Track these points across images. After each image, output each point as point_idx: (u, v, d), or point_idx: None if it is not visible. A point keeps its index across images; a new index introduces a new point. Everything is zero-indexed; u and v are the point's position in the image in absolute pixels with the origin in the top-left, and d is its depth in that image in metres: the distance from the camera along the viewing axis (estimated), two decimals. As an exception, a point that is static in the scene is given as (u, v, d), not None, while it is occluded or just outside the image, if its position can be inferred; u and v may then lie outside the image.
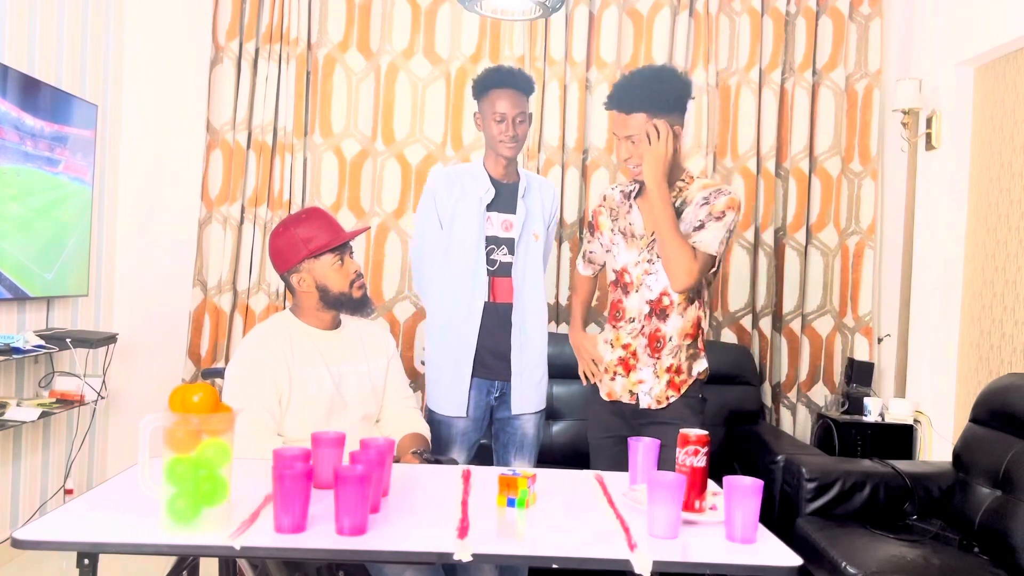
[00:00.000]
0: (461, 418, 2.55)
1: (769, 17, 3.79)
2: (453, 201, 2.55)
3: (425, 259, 2.63)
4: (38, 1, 3.24)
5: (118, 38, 3.81)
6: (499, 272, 2.56)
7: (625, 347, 2.26)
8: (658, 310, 2.23)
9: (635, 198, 2.32)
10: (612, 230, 2.35)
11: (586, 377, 2.40)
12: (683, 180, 2.25)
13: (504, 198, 2.57)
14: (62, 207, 3.33)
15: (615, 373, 2.28)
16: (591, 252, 2.47)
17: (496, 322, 2.55)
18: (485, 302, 2.54)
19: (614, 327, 2.30)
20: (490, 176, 2.56)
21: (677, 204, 2.22)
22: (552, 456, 3.22)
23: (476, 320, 2.53)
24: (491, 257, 2.55)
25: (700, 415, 2.23)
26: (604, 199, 2.41)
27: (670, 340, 2.22)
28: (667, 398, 2.22)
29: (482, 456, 2.74)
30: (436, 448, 2.56)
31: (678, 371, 2.23)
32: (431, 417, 2.60)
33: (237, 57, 3.70)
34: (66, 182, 3.33)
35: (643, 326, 2.24)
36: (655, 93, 2.15)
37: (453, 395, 2.55)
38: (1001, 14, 3.08)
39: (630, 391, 2.25)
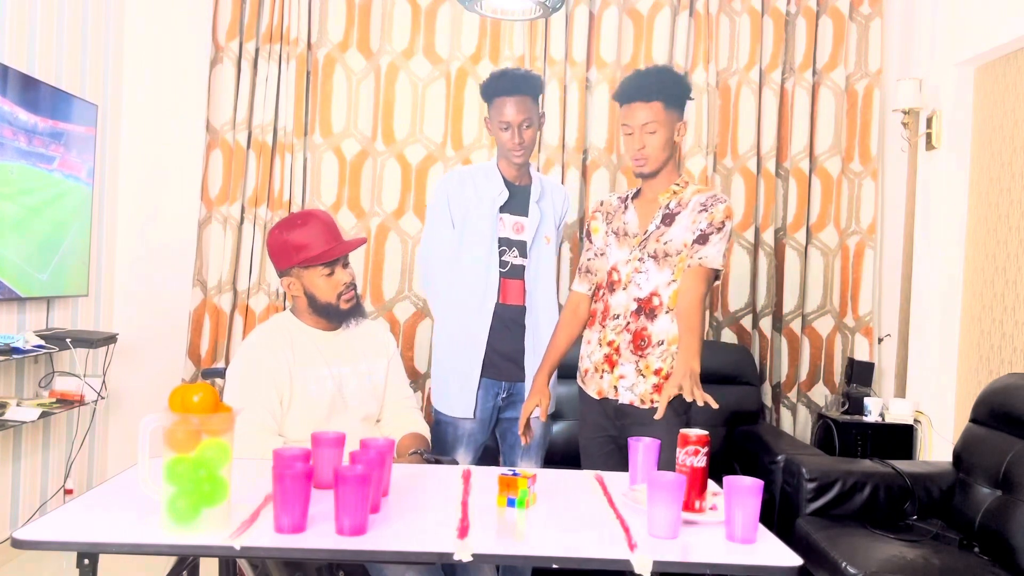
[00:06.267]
0: (468, 419, 2.55)
1: (769, 17, 3.79)
2: (465, 202, 2.55)
3: (434, 260, 2.63)
4: (38, 1, 3.24)
5: (118, 38, 3.81)
6: (510, 274, 2.56)
7: (610, 344, 2.26)
8: (647, 309, 2.23)
9: (632, 200, 2.35)
10: (606, 232, 2.36)
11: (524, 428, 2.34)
12: (678, 184, 2.28)
13: (517, 200, 2.57)
14: (57, 205, 3.32)
15: (602, 371, 2.28)
16: (588, 261, 2.40)
17: (506, 324, 2.55)
18: (495, 303, 2.54)
19: (602, 326, 2.29)
20: (504, 178, 2.56)
21: (672, 206, 2.26)
22: (552, 456, 3.20)
23: (487, 321, 2.53)
24: (502, 259, 2.55)
25: (683, 415, 2.19)
26: (600, 204, 2.43)
27: (659, 343, 2.22)
28: (651, 400, 2.21)
29: (486, 458, 2.74)
30: (442, 449, 2.56)
31: (668, 377, 2.20)
32: (437, 418, 2.60)
33: (237, 57, 3.70)
34: (61, 179, 3.32)
35: (628, 323, 2.24)
36: (671, 84, 2.23)
37: (461, 396, 2.55)
38: (1001, 14, 3.08)
39: (614, 387, 2.25)
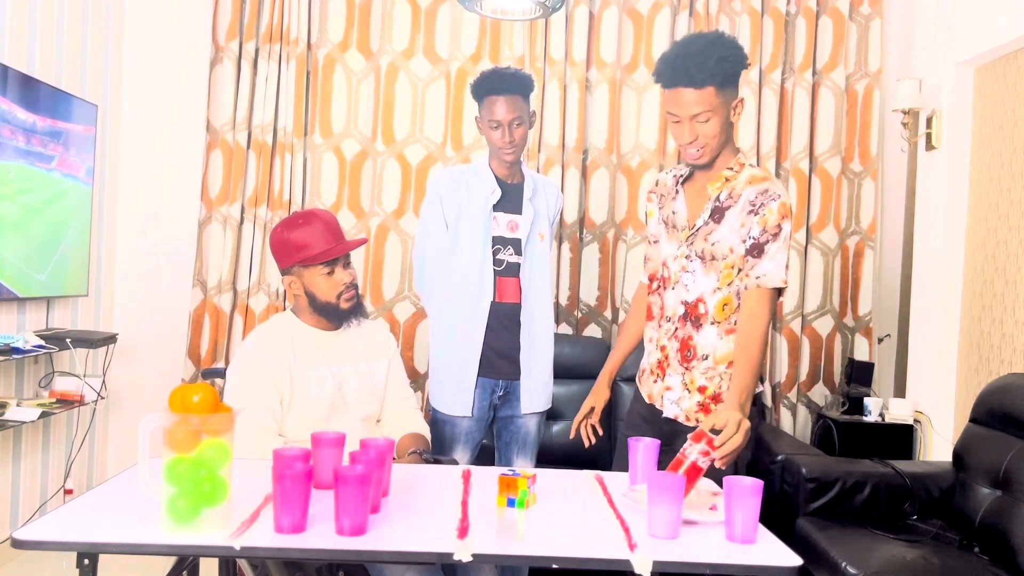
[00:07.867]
0: (466, 418, 2.56)
1: (769, 17, 3.79)
2: (458, 201, 2.55)
3: (429, 260, 2.63)
4: (38, 1, 3.24)
5: (118, 38, 3.82)
6: (505, 272, 2.56)
7: (662, 349, 2.12)
8: (693, 316, 2.04)
9: (683, 183, 2.10)
10: (658, 220, 2.15)
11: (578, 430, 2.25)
12: (731, 168, 2.00)
13: (510, 198, 2.57)
14: (56, 205, 3.31)
15: (656, 376, 2.15)
16: (647, 249, 2.22)
17: (502, 322, 2.55)
18: (491, 302, 2.54)
19: (659, 324, 2.13)
20: (496, 176, 2.56)
21: (722, 198, 2.00)
22: (552, 456, 3.21)
23: (483, 320, 2.54)
24: (497, 257, 2.55)
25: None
26: (656, 184, 2.20)
27: (704, 358, 2.03)
28: (696, 419, 2.06)
29: (484, 456, 2.74)
30: (440, 448, 2.57)
31: (715, 398, 2.04)
32: (435, 417, 2.61)
33: (237, 57, 3.70)
34: (60, 179, 3.32)
35: (676, 328, 2.06)
36: (724, 61, 1.90)
37: (458, 395, 2.55)
38: (1001, 14, 3.08)
39: (660, 397, 2.12)
